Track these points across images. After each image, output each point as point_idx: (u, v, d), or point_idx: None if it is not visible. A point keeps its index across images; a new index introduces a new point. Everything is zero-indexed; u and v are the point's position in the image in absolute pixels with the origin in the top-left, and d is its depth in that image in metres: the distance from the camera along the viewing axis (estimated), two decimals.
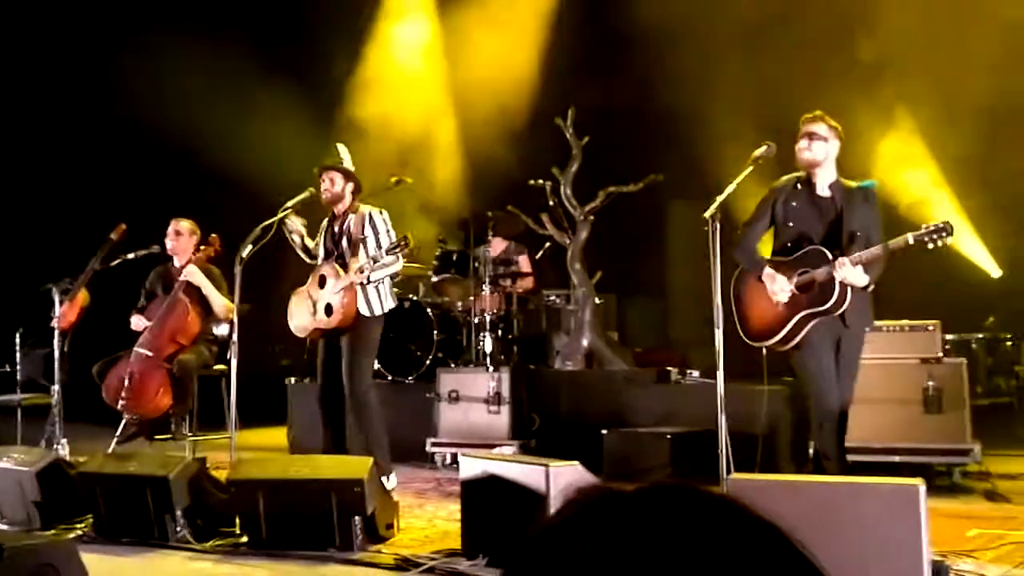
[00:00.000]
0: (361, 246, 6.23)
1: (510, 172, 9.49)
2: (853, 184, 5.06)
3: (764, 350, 5.14)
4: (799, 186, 5.09)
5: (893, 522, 3.27)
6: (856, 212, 4.90)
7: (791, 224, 5.06)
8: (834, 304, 4.80)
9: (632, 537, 0.77)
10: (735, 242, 5.20)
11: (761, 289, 5.05)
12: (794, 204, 5.06)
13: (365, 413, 6.21)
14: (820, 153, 4.97)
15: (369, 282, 6.18)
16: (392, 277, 6.51)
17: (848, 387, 4.94)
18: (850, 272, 4.73)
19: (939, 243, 4.61)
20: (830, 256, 4.81)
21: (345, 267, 6.21)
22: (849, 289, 4.78)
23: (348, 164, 6.43)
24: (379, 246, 6.18)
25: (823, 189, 5.04)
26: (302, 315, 6.45)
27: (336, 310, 6.18)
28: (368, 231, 6.26)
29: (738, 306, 5.22)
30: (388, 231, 6.31)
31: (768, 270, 5.03)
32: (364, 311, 6.24)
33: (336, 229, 6.43)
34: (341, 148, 6.50)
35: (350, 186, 6.39)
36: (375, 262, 6.04)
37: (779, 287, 4.96)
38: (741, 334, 5.19)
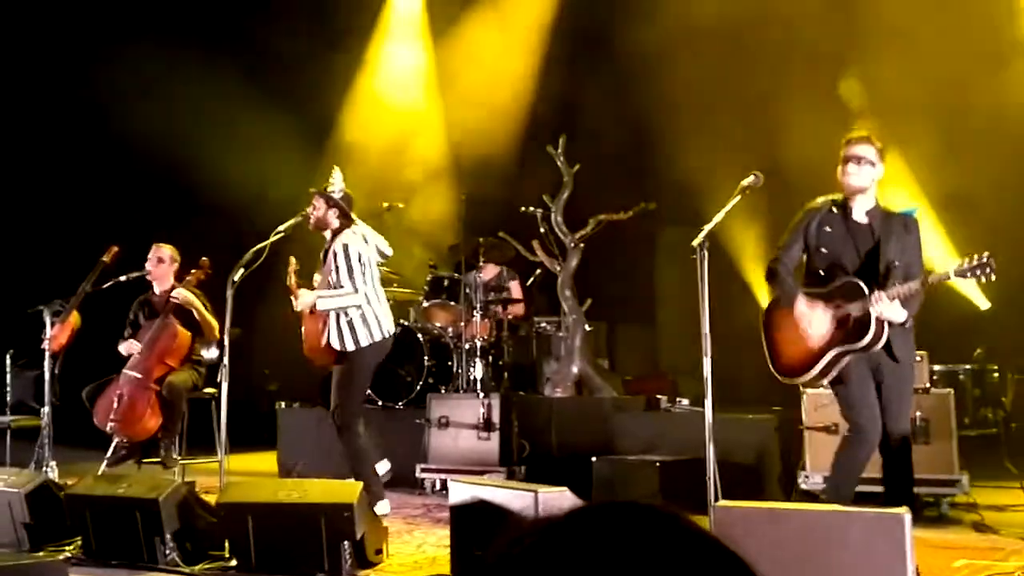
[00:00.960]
0: (332, 274, 6.22)
1: (501, 199, 9.54)
2: (895, 210, 4.85)
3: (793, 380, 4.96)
4: (835, 209, 4.82)
5: (878, 550, 3.30)
6: (894, 241, 4.66)
7: (824, 250, 4.80)
8: (871, 341, 4.59)
9: (574, 555, 0.80)
10: (772, 269, 4.94)
11: (791, 322, 4.80)
12: (828, 229, 4.79)
13: (347, 439, 6.22)
14: (867, 179, 4.72)
15: (332, 314, 6.18)
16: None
17: (903, 418, 4.73)
18: (887, 308, 4.53)
19: (982, 279, 4.43)
20: (866, 290, 4.61)
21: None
22: (886, 324, 4.58)
23: (339, 188, 6.41)
24: (338, 276, 6.16)
25: (860, 215, 4.79)
26: (310, 338, 6.46)
27: (304, 336, 6.33)
28: (340, 259, 6.18)
29: (768, 339, 4.98)
30: (350, 265, 6.16)
31: (800, 307, 4.76)
32: (335, 344, 6.21)
33: (323, 254, 6.44)
34: (336, 173, 6.52)
35: (333, 212, 6.34)
36: (320, 293, 6.15)
37: (815, 329, 4.72)
38: (772, 369, 4.96)
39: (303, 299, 6.20)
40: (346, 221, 6.37)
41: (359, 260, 6.19)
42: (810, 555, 3.25)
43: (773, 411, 7.15)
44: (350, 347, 6.22)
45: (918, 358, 6.27)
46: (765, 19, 9.22)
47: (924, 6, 8.62)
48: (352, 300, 6.18)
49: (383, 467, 6.40)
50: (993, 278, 4.44)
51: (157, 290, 7.36)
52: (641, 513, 0.84)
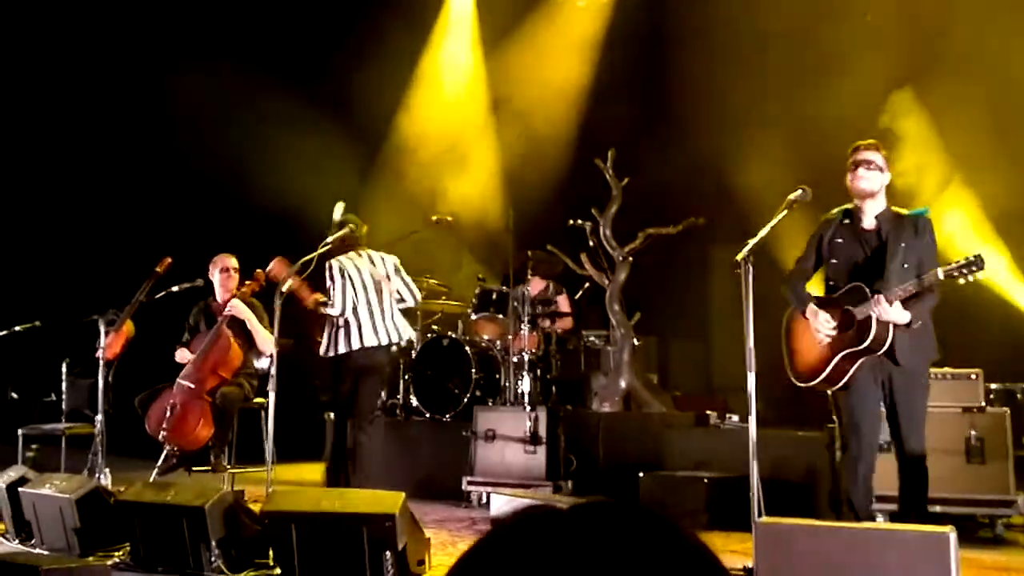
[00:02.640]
0: None
1: (550, 212, 9.54)
2: (905, 212, 4.89)
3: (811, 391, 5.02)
4: (846, 219, 4.93)
5: (922, 570, 3.23)
6: (902, 243, 4.72)
7: (835, 260, 4.92)
8: (872, 343, 4.64)
9: (552, 553, 0.79)
10: (785, 279, 5.09)
11: (807, 328, 4.90)
12: (839, 240, 4.91)
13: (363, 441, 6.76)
14: (876, 183, 4.81)
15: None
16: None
17: (914, 433, 4.72)
18: (887, 309, 4.58)
19: (970, 277, 4.48)
20: (868, 292, 4.67)
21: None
22: (891, 327, 4.62)
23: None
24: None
25: (869, 221, 4.87)
26: None
27: None
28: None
29: (787, 346, 5.07)
30: (331, 284, 6.70)
31: (811, 307, 4.88)
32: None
33: None
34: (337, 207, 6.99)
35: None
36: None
37: (821, 325, 4.82)
38: (789, 375, 5.05)
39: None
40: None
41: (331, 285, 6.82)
42: (852, 573, 3.19)
43: (826, 428, 7.04)
44: (354, 345, 6.80)
45: (973, 376, 6.20)
46: (817, 35, 9.13)
47: (984, 23, 8.48)
48: (332, 311, 6.86)
49: None
50: (980, 277, 4.50)
51: (219, 298, 7.43)
52: (621, 515, 0.83)
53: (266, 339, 7.18)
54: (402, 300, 6.87)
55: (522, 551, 0.81)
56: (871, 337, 4.64)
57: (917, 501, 4.76)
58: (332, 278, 6.67)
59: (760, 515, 4.31)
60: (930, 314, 4.77)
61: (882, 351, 4.67)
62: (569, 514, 0.84)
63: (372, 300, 6.76)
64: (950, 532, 3.26)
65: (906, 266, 4.68)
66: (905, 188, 7.75)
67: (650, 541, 0.82)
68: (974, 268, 4.47)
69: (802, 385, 4.99)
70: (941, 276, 4.53)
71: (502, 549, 0.82)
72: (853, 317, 4.72)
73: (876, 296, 4.62)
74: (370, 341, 6.72)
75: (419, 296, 7.08)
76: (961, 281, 4.50)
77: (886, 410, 4.86)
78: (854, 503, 4.75)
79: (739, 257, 4.65)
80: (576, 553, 0.79)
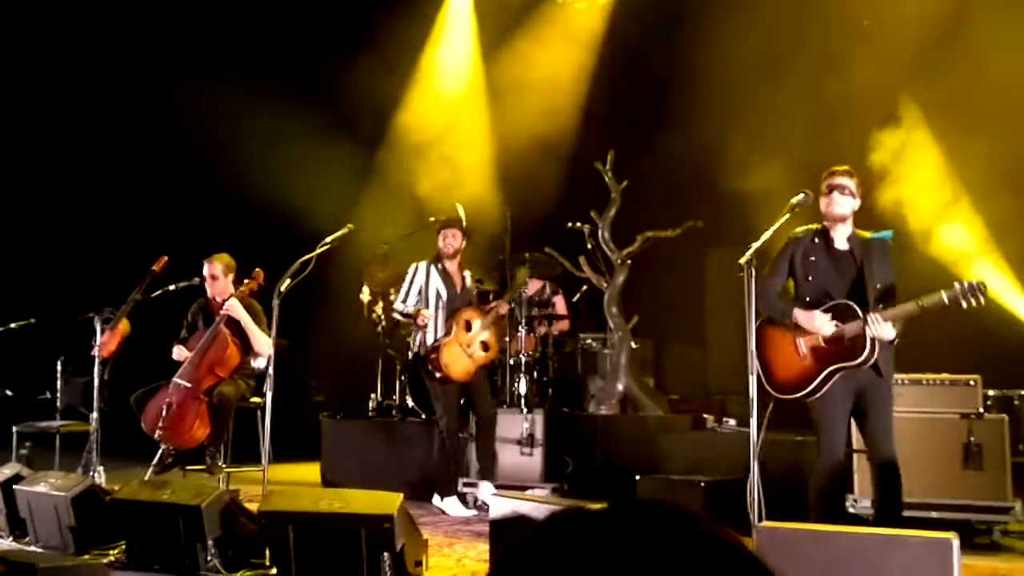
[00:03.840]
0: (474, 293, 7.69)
1: (548, 214, 9.53)
2: (868, 235, 5.07)
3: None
4: (816, 239, 5.08)
5: None
6: (876, 265, 4.92)
7: (811, 279, 5.04)
8: (865, 359, 4.80)
9: (596, 554, 0.78)
10: (759, 294, 5.04)
11: (785, 339, 5.02)
12: (812, 259, 5.05)
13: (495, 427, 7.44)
14: (848, 207, 4.99)
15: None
16: None
17: (889, 435, 4.89)
18: (880, 328, 4.74)
19: (973, 303, 4.59)
20: (859, 311, 4.81)
21: (479, 311, 7.42)
22: (878, 343, 4.79)
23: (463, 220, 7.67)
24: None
25: (841, 242, 5.05)
26: (462, 360, 7.23)
27: (491, 345, 7.37)
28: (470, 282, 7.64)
29: (761, 357, 5.08)
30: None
31: (799, 312, 4.98)
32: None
33: (456, 280, 7.52)
34: (460, 208, 7.65)
35: (464, 242, 7.51)
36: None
37: (823, 324, 4.90)
38: (766, 386, 5.09)
39: (498, 310, 7.55)
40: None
41: None
42: None
43: (817, 433, 7.01)
44: None
45: (971, 382, 6.20)
46: (817, 38, 9.14)
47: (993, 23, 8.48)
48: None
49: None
50: (983, 302, 4.63)
51: (218, 297, 7.39)
52: (658, 515, 0.82)
53: (262, 341, 7.15)
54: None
55: (562, 554, 0.79)
56: (865, 353, 4.79)
57: (894, 506, 4.87)
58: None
59: (760, 519, 4.30)
60: None
61: (869, 365, 4.83)
62: (607, 515, 0.83)
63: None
64: (953, 538, 3.25)
65: (879, 286, 4.87)
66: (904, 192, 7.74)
67: (679, 538, 0.81)
68: (978, 293, 4.59)
69: (781, 396, 5.06)
70: (946, 300, 4.66)
71: (541, 552, 0.81)
72: (843, 333, 4.85)
73: (871, 315, 4.76)
74: None
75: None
76: (964, 305, 4.62)
77: (859, 418, 5.01)
78: (820, 508, 4.91)
79: (742, 261, 4.70)
80: (620, 555, 0.78)
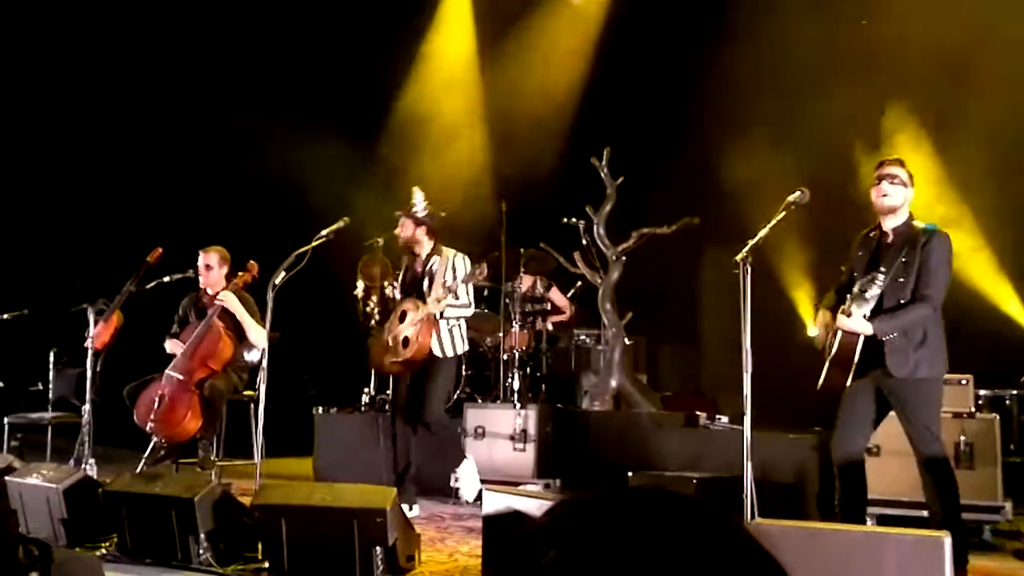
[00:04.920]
0: (439, 287, 6.65)
1: (543, 210, 9.53)
2: (920, 226, 4.90)
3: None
4: (871, 235, 5.03)
5: (917, 574, 3.23)
6: (903, 258, 4.75)
7: (856, 274, 4.98)
8: (838, 352, 4.79)
9: (601, 540, 0.78)
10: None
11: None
12: (860, 253, 5.02)
13: (441, 439, 6.88)
14: (899, 197, 4.86)
15: (442, 316, 6.61)
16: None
17: (924, 442, 4.75)
18: (843, 320, 4.72)
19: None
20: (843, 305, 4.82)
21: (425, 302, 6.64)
22: (860, 338, 4.72)
23: (420, 208, 6.82)
24: (456, 283, 6.60)
25: (888, 235, 4.94)
26: (381, 350, 6.83)
27: (412, 342, 6.58)
28: (448, 274, 6.67)
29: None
30: (466, 279, 6.67)
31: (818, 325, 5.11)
32: (436, 351, 6.67)
33: (418, 269, 6.88)
34: (416, 192, 6.89)
35: (422, 230, 6.82)
36: (450, 293, 6.50)
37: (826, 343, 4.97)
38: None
39: (427, 308, 6.58)
40: (435, 237, 6.86)
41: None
42: None
43: (814, 430, 7.04)
44: (449, 353, 6.77)
45: (963, 382, 6.21)
46: (814, 38, 9.14)
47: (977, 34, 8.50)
48: (470, 311, 6.85)
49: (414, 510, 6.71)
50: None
51: (210, 290, 7.39)
52: (670, 501, 0.82)
53: (258, 333, 7.15)
54: None
55: (570, 543, 0.80)
56: (836, 346, 4.79)
57: (947, 507, 4.73)
58: (465, 273, 6.71)
59: (752, 517, 4.31)
60: (935, 328, 4.81)
61: (855, 359, 4.75)
62: (609, 502, 0.83)
63: None
64: (945, 536, 3.26)
65: (902, 280, 4.72)
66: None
67: (695, 525, 0.81)
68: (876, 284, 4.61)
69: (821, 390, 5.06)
70: (856, 290, 4.68)
71: (547, 542, 0.81)
72: (837, 328, 4.86)
73: (842, 307, 4.76)
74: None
75: None
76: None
77: (900, 421, 4.91)
78: (840, 503, 4.90)
79: (738, 257, 4.68)
80: (623, 541, 0.78)
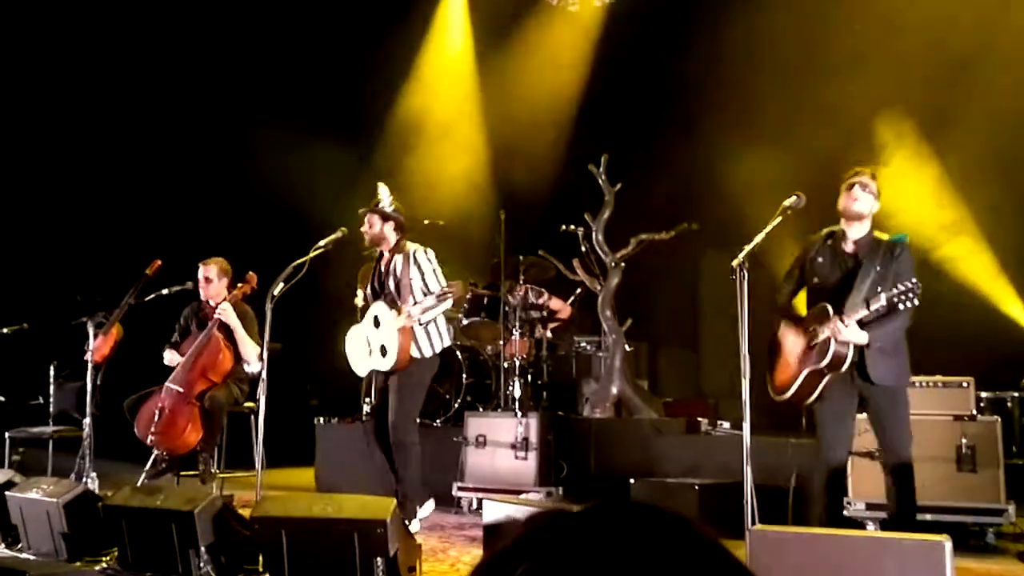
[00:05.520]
0: (410, 287, 6.38)
1: (542, 217, 9.53)
2: (885, 237, 5.00)
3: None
4: (829, 240, 5.07)
5: None
6: (876, 267, 4.83)
7: (815, 280, 5.05)
8: (831, 362, 4.80)
9: (572, 554, 0.78)
10: (773, 303, 5.24)
11: (786, 345, 5.11)
12: (820, 260, 5.05)
13: (403, 451, 6.41)
14: (867, 206, 4.94)
15: (420, 324, 6.36)
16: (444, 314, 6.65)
17: (898, 442, 4.86)
18: (841, 330, 4.73)
19: (907, 303, 4.54)
20: (831, 312, 4.81)
21: (396, 308, 6.33)
22: (850, 346, 4.77)
23: (387, 204, 6.54)
24: (425, 285, 6.36)
25: (850, 244, 5.00)
26: (360, 355, 6.62)
27: (391, 352, 6.33)
28: (413, 271, 6.39)
29: (770, 361, 5.23)
30: (434, 269, 6.45)
31: (782, 328, 5.11)
32: (415, 353, 6.41)
33: (382, 269, 6.59)
34: (381, 188, 6.61)
35: (390, 225, 6.52)
36: (425, 303, 6.20)
37: (791, 351, 5.03)
38: (768, 388, 5.20)
39: (401, 320, 6.27)
40: (403, 233, 6.56)
41: (434, 268, 6.45)
42: None
43: (815, 435, 7.02)
44: (427, 353, 6.47)
45: (964, 384, 6.20)
46: (812, 43, 9.15)
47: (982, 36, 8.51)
48: (446, 306, 6.42)
49: (424, 513, 6.57)
50: (916, 303, 4.56)
51: (212, 301, 7.38)
52: (646, 515, 0.82)
53: (251, 347, 7.14)
54: None
55: (542, 557, 0.79)
56: (829, 356, 4.79)
57: (904, 510, 4.87)
58: (432, 265, 6.47)
59: (753, 522, 4.30)
60: (903, 337, 4.91)
61: (844, 368, 4.81)
62: (582, 516, 0.83)
63: None
64: (945, 541, 3.25)
65: (880, 289, 4.74)
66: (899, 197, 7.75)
67: (667, 539, 0.81)
68: (911, 295, 4.54)
69: (776, 398, 5.15)
70: (883, 301, 4.62)
71: (520, 556, 0.81)
72: (817, 336, 4.88)
73: (835, 316, 4.76)
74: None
75: None
76: (901, 307, 4.56)
77: (871, 424, 5.03)
78: (816, 509, 4.95)
79: (735, 263, 4.69)
80: (595, 555, 0.78)
